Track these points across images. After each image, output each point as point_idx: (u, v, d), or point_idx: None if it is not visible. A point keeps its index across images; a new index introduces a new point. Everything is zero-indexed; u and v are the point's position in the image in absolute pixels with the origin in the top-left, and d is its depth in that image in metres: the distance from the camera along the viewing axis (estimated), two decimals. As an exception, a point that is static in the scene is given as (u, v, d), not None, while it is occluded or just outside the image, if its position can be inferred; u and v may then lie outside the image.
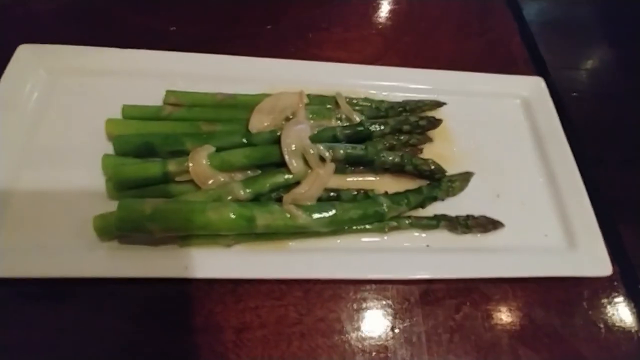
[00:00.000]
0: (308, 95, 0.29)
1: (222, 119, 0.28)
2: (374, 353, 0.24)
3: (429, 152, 0.29)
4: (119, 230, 0.23)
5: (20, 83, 0.28)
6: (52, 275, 0.22)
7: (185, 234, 0.23)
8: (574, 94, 0.36)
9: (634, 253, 0.29)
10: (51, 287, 0.23)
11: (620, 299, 0.27)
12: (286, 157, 0.25)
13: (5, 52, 0.28)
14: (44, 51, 0.29)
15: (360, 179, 0.28)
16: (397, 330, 0.25)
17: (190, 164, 0.24)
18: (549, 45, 0.39)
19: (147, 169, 0.25)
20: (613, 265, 0.27)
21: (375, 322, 0.25)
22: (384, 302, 0.25)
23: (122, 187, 0.25)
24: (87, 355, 0.22)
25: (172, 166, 0.24)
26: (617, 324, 0.27)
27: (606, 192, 0.31)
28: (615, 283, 0.28)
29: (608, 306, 0.27)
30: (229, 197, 0.24)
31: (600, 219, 0.28)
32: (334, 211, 0.24)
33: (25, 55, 0.29)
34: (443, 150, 0.30)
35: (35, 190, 0.25)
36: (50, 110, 0.28)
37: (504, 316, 0.26)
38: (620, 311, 0.27)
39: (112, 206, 0.24)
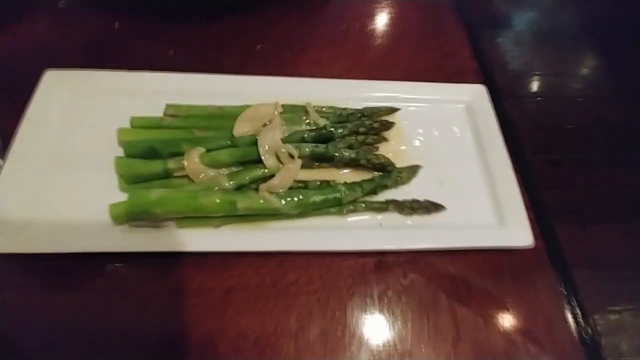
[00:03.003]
0: (283, 106, 0.35)
1: (212, 127, 0.34)
2: (335, 309, 0.29)
3: (384, 149, 0.35)
4: (130, 214, 0.29)
5: (47, 101, 0.34)
6: (75, 250, 0.28)
7: (182, 216, 0.29)
8: (514, 98, 0.42)
9: (558, 232, 0.35)
10: (73, 262, 0.28)
11: (543, 267, 0.33)
12: (262, 155, 0.31)
13: (33, 74, 0.35)
14: (66, 75, 0.35)
15: (324, 172, 0.33)
16: (354, 292, 0.30)
17: (185, 162, 0.30)
18: (495, 56, 0.46)
19: (151, 167, 0.31)
20: (539, 240, 0.33)
21: (337, 286, 0.30)
22: (345, 271, 0.31)
23: (131, 181, 0.31)
24: (106, 309, 0.28)
25: (171, 164, 0.31)
26: (539, 286, 0.32)
27: (537, 180, 0.37)
28: (540, 255, 0.33)
29: (533, 273, 0.33)
30: (216, 188, 0.30)
31: (529, 201, 0.35)
32: (300, 196, 0.30)
33: (51, 78, 0.35)
34: (396, 148, 0.36)
35: (62, 185, 0.31)
36: (71, 123, 0.34)
37: (444, 280, 0.32)
38: (543, 277, 0.33)
39: (123, 197, 0.30)
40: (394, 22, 0.47)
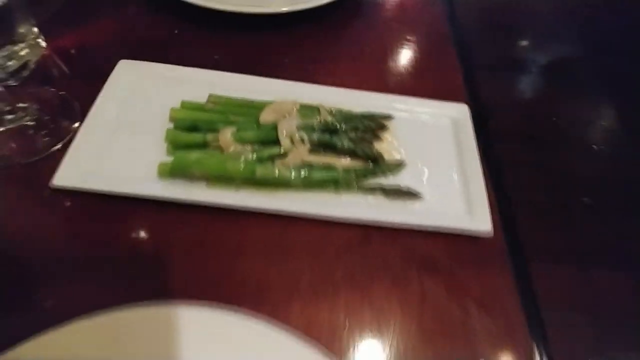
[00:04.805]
0: (300, 104, 0.44)
1: (243, 113, 0.42)
2: (323, 268, 0.36)
3: (378, 147, 0.43)
4: (174, 170, 0.37)
5: (118, 83, 0.43)
6: (128, 192, 0.36)
7: (213, 174, 0.37)
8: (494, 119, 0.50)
9: (518, 227, 0.42)
10: (123, 203, 0.36)
11: (501, 256, 0.39)
12: (280, 137, 0.39)
13: (111, 62, 0.45)
14: (135, 64, 0.45)
15: (328, 158, 0.41)
16: (340, 257, 0.37)
17: (220, 137, 0.39)
18: (481, 83, 0.54)
19: (193, 138, 0.39)
20: (500, 233, 0.40)
21: (327, 251, 0.37)
22: (335, 240, 0.37)
23: (176, 148, 0.39)
24: (138, 244, 0.36)
25: (209, 137, 0.39)
26: (496, 270, 0.38)
27: (504, 182, 0.44)
28: (500, 246, 0.39)
29: (492, 259, 0.39)
30: (242, 158, 0.38)
31: (496, 199, 0.42)
32: (306, 172, 0.38)
33: (123, 66, 0.45)
34: (388, 147, 0.43)
35: (123, 146, 0.40)
36: (135, 100, 0.43)
37: (416, 257, 0.37)
38: (499, 263, 0.39)
39: (168, 160, 0.39)
40: (400, 49, 0.56)
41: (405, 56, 0.55)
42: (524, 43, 0.66)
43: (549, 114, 0.54)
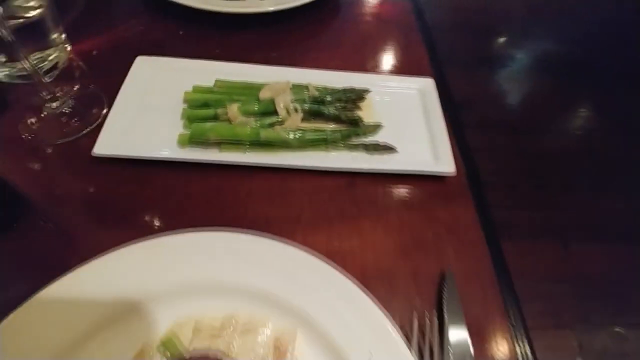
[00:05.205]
0: (292, 84, 0.53)
1: (245, 93, 0.51)
2: (319, 208, 0.44)
3: (358, 113, 0.52)
4: (192, 138, 0.45)
5: (138, 75, 0.52)
6: (153, 156, 0.44)
7: (225, 139, 0.45)
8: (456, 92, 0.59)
9: (478, 168, 0.51)
10: (149, 166, 0.45)
11: (464, 192, 0.48)
12: (278, 109, 0.48)
13: (130, 59, 0.53)
14: (150, 60, 0.54)
15: (317, 124, 0.50)
16: (333, 199, 0.45)
17: (228, 111, 0.47)
18: (445, 61, 0.64)
19: (206, 113, 0.48)
20: (463, 174, 0.49)
21: (321, 195, 0.46)
22: (327, 186, 0.46)
23: (191, 121, 0.48)
24: (166, 197, 0.44)
25: (219, 111, 0.48)
26: (461, 202, 0.47)
27: (465, 135, 0.53)
28: (463, 184, 0.48)
29: (457, 195, 0.48)
30: (248, 125, 0.47)
31: (458, 149, 0.51)
32: (300, 134, 0.47)
33: (141, 61, 0.53)
34: (367, 114, 0.52)
35: (146, 124, 0.48)
36: (153, 88, 0.52)
37: (395, 196, 0.46)
38: (463, 198, 0.47)
39: (186, 132, 0.47)
40: (374, 38, 0.66)
41: (378, 44, 0.65)
42: (483, 34, 0.76)
43: (522, 102, 0.63)
